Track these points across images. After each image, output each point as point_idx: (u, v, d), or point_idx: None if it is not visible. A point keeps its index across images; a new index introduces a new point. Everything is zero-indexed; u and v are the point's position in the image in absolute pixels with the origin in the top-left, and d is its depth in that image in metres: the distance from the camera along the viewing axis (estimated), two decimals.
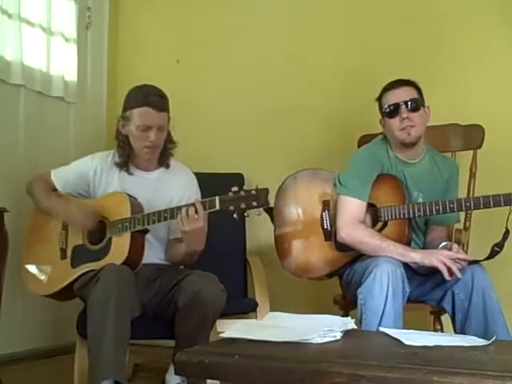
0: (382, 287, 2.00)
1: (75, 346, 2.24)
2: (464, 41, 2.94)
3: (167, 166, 2.43)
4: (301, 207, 2.46)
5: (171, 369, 2.28)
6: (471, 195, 2.53)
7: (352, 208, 2.27)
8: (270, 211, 2.45)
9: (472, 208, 2.19)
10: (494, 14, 2.89)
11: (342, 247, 2.31)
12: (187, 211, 2.09)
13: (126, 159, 2.39)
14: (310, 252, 2.40)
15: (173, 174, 2.44)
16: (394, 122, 2.29)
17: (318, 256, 2.37)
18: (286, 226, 2.46)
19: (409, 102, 2.27)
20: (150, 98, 2.29)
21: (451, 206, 2.17)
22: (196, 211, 2.08)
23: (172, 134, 2.44)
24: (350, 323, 1.65)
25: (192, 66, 3.50)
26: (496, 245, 2.14)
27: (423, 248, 2.35)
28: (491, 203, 2.10)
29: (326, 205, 2.41)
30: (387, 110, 2.31)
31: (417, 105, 2.28)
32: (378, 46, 3.10)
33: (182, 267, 2.43)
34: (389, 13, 3.10)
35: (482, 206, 2.12)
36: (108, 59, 3.61)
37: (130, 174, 2.40)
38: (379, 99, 2.37)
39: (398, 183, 2.31)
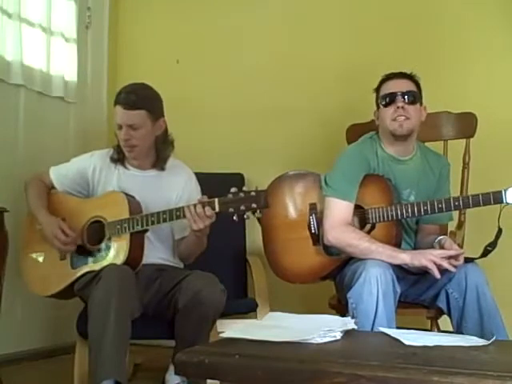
0: (372, 291, 1.97)
1: (75, 346, 2.24)
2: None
3: (162, 169, 2.41)
4: (287, 211, 2.40)
5: (171, 369, 2.28)
6: (465, 185, 2.49)
7: (339, 210, 2.22)
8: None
9: (461, 207, 2.14)
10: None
11: (330, 251, 2.27)
12: (195, 208, 2.07)
13: (122, 156, 2.39)
14: (299, 257, 2.35)
15: (170, 172, 2.42)
16: (388, 112, 2.24)
17: (308, 262, 2.32)
18: (273, 230, 2.42)
19: (406, 94, 2.23)
20: (121, 95, 2.29)
21: (439, 206, 2.13)
22: (203, 207, 2.07)
23: (169, 135, 2.42)
24: (350, 323, 1.65)
25: (192, 66, 3.49)
26: (489, 245, 2.12)
27: (414, 248, 2.31)
28: (481, 202, 2.05)
29: (312, 208, 2.35)
30: (383, 98, 2.26)
31: (414, 98, 2.24)
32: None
33: (182, 267, 2.44)
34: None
35: (471, 206, 2.08)
36: (108, 59, 3.60)
37: (127, 169, 2.40)
38: (377, 89, 2.33)
39: (385, 183, 2.26)
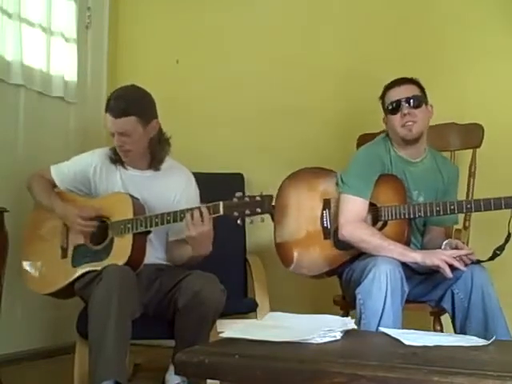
0: (381, 287, 2.00)
1: (75, 346, 2.23)
2: (463, 40, 2.94)
3: (157, 169, 2.40)
4: (301, 206, 2.47)
5: (171, 369, 2.28)
6: (471, 195, 2.53)
7: (354, 206, 2.28)
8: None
9: (473, 210, 2.19)
10: (493, 13, 2.89)
11: (341, 245, 2.32)
12: (192, 215, 2.08)
13: (120, 157, 2.39)
14: (309, 249, 2.40)
15: (169, 173, 2.42)
16: (396, 119, 2.31)
17: (317, 254, 2.38)
18: (286, 225, 2.47)
19: (411, 99, 2.29)
20: (111, 103, 2.28)
21: (452, 207, 2.18)
22: (201, 214, 2.08)
23: (164, 134, 2.40)
24: (350, 323, 1.65)
25: (191, 66, 3.50)
26: (498, 248, 2.15)
27: (421, 249, 2.35)
28: (492, 206, 2.11)
29: (326, 203, 2.42)
30: (389, 106, 2.32)
31: (419, 102, 2.30)
32: (377, 45, 3.10)
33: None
34: (387, 12, 3.10)
35: (482, 209, 2.13)
36: (108, 59, 3.61)
37: (126, 169, 2.40)
38: (382, 97, 2.38)
39: (399, 183, 2.31)
